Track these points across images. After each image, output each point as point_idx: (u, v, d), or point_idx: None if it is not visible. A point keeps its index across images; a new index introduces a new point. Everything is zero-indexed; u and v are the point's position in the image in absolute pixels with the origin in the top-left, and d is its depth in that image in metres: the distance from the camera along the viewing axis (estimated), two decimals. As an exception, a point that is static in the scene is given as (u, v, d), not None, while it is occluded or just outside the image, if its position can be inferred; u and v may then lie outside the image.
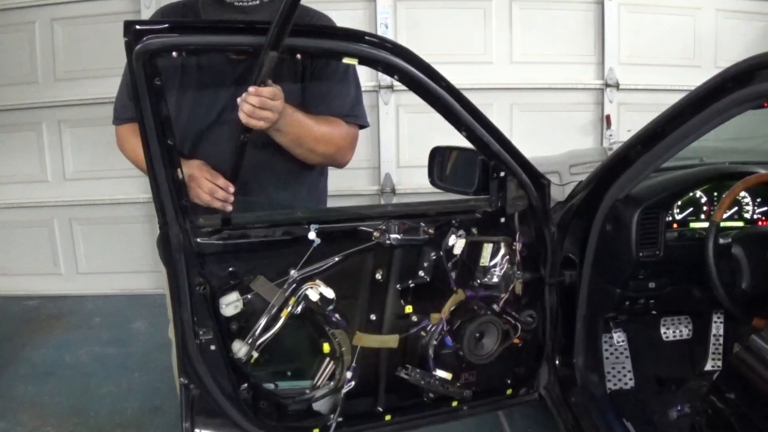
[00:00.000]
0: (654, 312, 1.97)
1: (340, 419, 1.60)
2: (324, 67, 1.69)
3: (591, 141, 4.10)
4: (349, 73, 1.73)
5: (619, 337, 2.04)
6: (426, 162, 1.77)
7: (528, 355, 1.79)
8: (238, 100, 1.42)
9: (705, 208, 1.87)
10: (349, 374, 1.58)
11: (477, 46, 3.99)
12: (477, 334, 1.64)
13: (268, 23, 1.36)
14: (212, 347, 1.48)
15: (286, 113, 1.52)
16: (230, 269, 1.49)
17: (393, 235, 1.56)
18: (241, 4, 1.61)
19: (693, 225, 1.85)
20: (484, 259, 1.68)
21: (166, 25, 1.34)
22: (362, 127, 1.79)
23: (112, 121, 1.79)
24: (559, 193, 1.96)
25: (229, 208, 1.50)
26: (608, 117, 4.01)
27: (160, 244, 1.45)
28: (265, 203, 1.65)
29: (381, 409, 1.68)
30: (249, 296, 1.50)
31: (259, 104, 1.41)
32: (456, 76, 1.70)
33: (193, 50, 1.42)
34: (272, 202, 1.68)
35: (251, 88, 1.40)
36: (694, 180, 1.88)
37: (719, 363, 2.09)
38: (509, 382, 1.80)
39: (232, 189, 1.50)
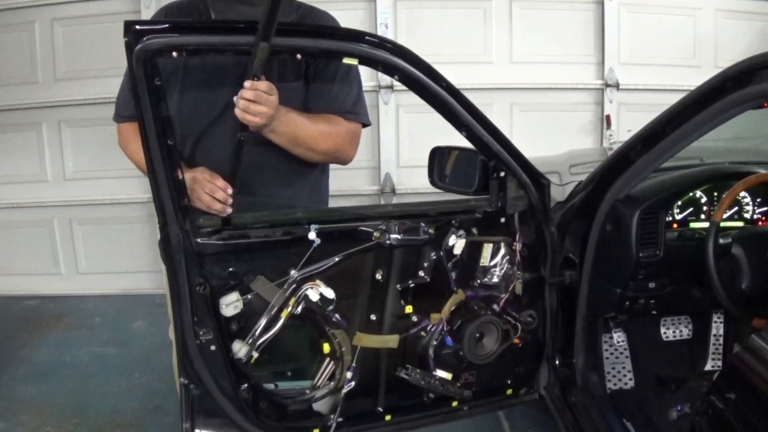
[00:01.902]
0: (654, 312, 1.97)
1: (340, 419, 1.60)
2: (326, 65, 1.69)
3: (591, 141, 4.10)
4: (351, 72, 1.73)
5: (619, 337, 2.04)
6: (426, 162, 1.77)
7: (528, 355, 1.79)
8: (235, 98, 1.42)
9: (705, 208, 1.87)
10: (349, 374, 1.58)
11: (477, 46, 3.99)
12: (477, 335, 1.64)
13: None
14: (212, 347, 1.48)
15: (280, 113, 1.52)
16: (230, 269, 1.49)
17: (393, 235, 1.56)
18: None
19: (693, 225, 1.85)
20: (484, 259, 1.68)
21: (166, 25, 1.34)
22: (364, 125, 1.78)
23: (113, 117, 1.78)
24: (559, 193, 1.97)
25: (229, 210, 1.50)
26: (608, 117, 4.01)
27: (161, 245, 1.45)
28: (266, 203, 1.64)
29: (381, 409, 1.68)
30: (249, 296, 1.50)
31: (254, 98, 1.41)
32: (456, 76, 1.70)
33: (193, 50, 1.42)
34: (274, 201, 1.68)
35: (247, 83, 1.40)
36: (694, 180, 1.88)
37: (719, 363, 2.09)
38: (509, 382, 1.80)
39: (230, 190, 1.50)
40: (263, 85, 1.41)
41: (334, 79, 1.70)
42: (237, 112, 1.42)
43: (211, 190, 1.51)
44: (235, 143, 1.45)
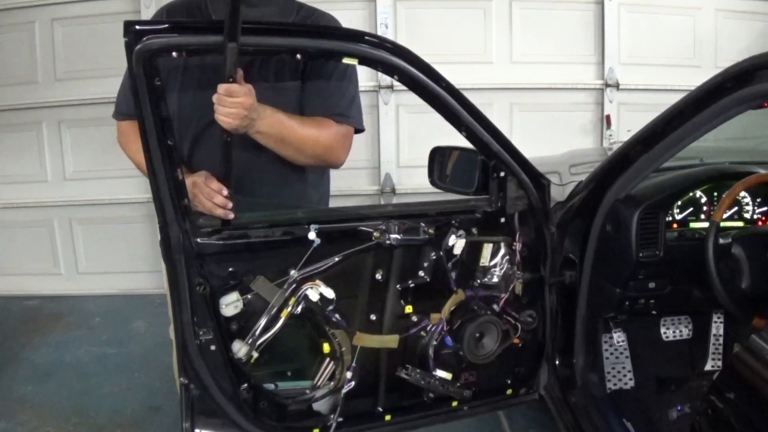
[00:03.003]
0: (654, 312, 1.97)
1: (340, 419, 1.60)
2: (322, 66, 1.68)
3: (591, 141, 4.10)
4: (348, 74, 1.71)
5: (619, 337, 2.04)
6: (426, 162, 1.77)
7: (528, 355, 1.79)
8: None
9: (705, 208, 1.87)
10: (349, 374, 1.58)
11: (477, 46, 3.99)
12: (477, 334, 1.64)
13: (268, 23, 1.36)
14: (212, 347, 1.49)
15: (266, 114, 1.51)
16: (230, 269, 1.49)
17: (393, 235, 1.56)
18: None
19: (693, 225, 1.85)
20: (484, 259, 1.68)
21: (166, 25, 1.34)
22: (358, 131, 1.77)
23: (113, 114, 1.78)
24: (559, 193, 1.96)
25: (231, 215, 1.49)
26: (608, 117, 4.01)
27: (162, 245, 1.45)
28: (266, 203, 1.64)
29: (381, 409, 1.68)
30: (249, 296, 1.50)
31: (215, 101, 1.41)
32: (456, 76, 1.70)
33: (193, 50, 1.42)
34: (274, 202, 1.67)
35: (219, 87, 1.39)
36: (694, 180, 1.88)
37: (719, 363, 2.09)
38: (509, 382, 1.80)
39: (225, 192, 1.48)
40: (222, 88, 1.40)
41: (330, 81, 1.69)
42: (215, 114, 1.42)
43: (209, 195, 1.50)
44: (223, 145, 1.45)
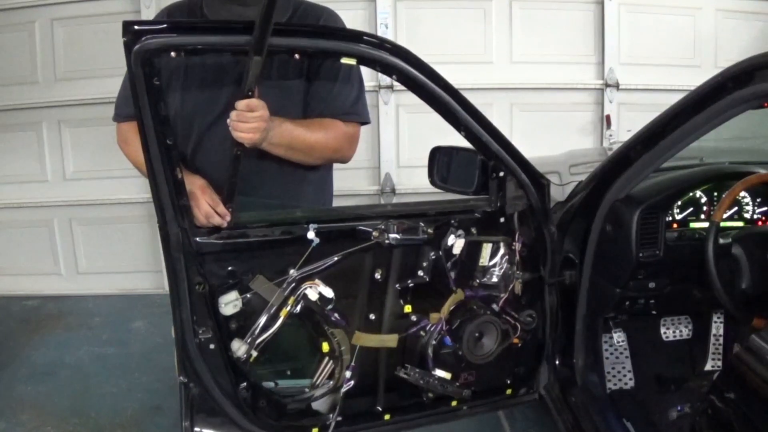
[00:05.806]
0: (654, 312, 1.97)
1: (339, 418, 1.60)
2: (328, 65, 1.68)
3: (591, 141, 4.10)
4: (353, 71, 1.70)
5: (619, 337, 2.04)
6: (426, 162, 1.77)
7: (528, 355, 1.79)
8: (228, 120, 1.42)
9: (705, 208, 1.87)
10: (348, 373, 1.58)
11: (477, 46, 3.99)
12: (476, 334, 1.64)
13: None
14: (211, 346, 1.49)
15: (274, 125, 1.50)
16: (229, 268, 1.49)
17: (392, 235, 1.56)
18: None
19: (693, 225, 1.85)
20: (484, 259, 1.68)
21: (165, 25, 1.34)
22: (364, 123, 1.77)
23: (113, 117, 1.78)
24: (559, 193, 1.96)
25: (224, 224, 1.49)
26: (608, 117, 4.01)
27: (162, 244, 1.45)
28: (265, 203, 1.64)
29: (380, 409, 1.68)
30: (248, 295, 1.50)
31: (236, 118, 1.40)
32: (456, 76, 1.70)
33: (192, 50, 1.41)
34: (275, 202, 1.67)
35: (237, 103, 1.39)
36: (694, 180, 1.88)
37: (719, 363, 2.09)
38: (509, 382, 1.80)
39: (228, 218, 1.48)
40: (241, 104, 1.39)
41: (335, 79, 1.68)
42: (231, 131, 1.42)
43: (207, 215, 1.48)
44: (232, 158, 1.45)
